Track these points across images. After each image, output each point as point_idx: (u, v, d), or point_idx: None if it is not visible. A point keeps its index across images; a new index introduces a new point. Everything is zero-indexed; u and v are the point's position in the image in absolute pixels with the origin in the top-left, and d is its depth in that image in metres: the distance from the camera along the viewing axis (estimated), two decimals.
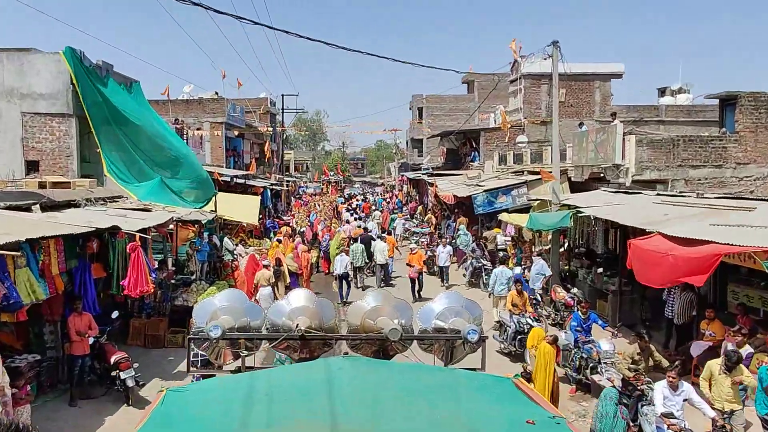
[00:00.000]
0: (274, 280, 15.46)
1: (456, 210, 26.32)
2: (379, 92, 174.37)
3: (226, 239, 19.59)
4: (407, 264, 18.16)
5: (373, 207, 44.44)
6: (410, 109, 63.59)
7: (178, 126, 26.08)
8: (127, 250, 10.59)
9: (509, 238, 20.59)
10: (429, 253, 21.26)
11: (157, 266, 13.01)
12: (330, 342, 5.25)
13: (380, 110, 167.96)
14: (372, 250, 20.37)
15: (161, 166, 15.02)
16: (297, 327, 5.05)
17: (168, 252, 15.39)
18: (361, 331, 5.35)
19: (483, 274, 18.79)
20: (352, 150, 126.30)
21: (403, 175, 55.29)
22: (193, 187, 15.76)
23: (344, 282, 18.35)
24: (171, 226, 15.30)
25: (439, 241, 21.72)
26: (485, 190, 22.11)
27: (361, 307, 5.58)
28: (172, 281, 14.34)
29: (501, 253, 19.13)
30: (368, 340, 5.23)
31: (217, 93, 36.76)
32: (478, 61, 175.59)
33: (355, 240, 21.44)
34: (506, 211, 20.85)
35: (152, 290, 10.81)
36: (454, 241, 22.61)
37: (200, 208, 16.13)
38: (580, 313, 11.41)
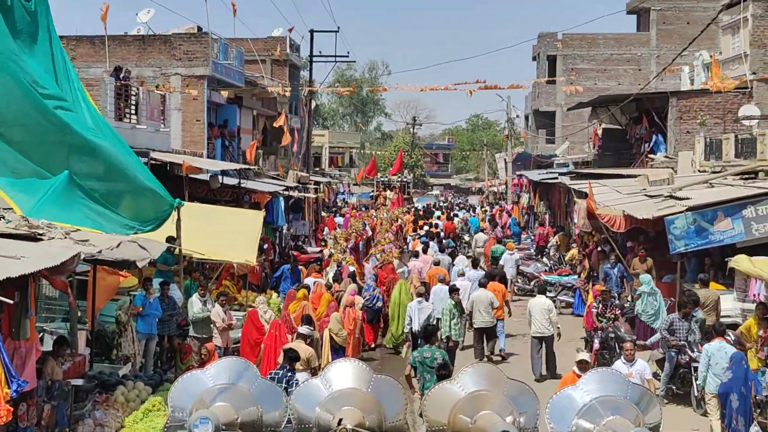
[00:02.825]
0: (316, 363, 15.12)
1: (630, 244, 24.57)
2: (477, 31, 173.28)
3: (195, 296, 18.42)
4: None
5: (462, 230, 44.32)
6: (534, 59, 62.40)
7: (120, 80, 24.69)
8: None
9: (751, 305, 18.47)
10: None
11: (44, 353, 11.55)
12: None
13: (478, 57, 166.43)
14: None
15: (71, 153, 14.17)
16: (340, 425, 5.71)
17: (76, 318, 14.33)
18: None
19: (694, 375, 16.83)
20: (429, 132, 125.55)
21: (521, 176, 53.33)
22: (133, 192, 15.08)
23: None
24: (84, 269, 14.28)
25: (614, 338, 19.04)
26: (690, 208, 20.41)
27: (451, 393, 6.17)
28: (78, 381, 12.84)
29: (731, 335, 16.67)
30: None
31: (199, 28, 36.06)
32: None
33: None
34: (734, 249, 19.36)
35: (5, 418, 8.91)
36: (627, 306, 21.14)
37: (148, 231, 15.27)
38: None
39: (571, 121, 53.85)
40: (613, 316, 19.33)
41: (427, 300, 20.51)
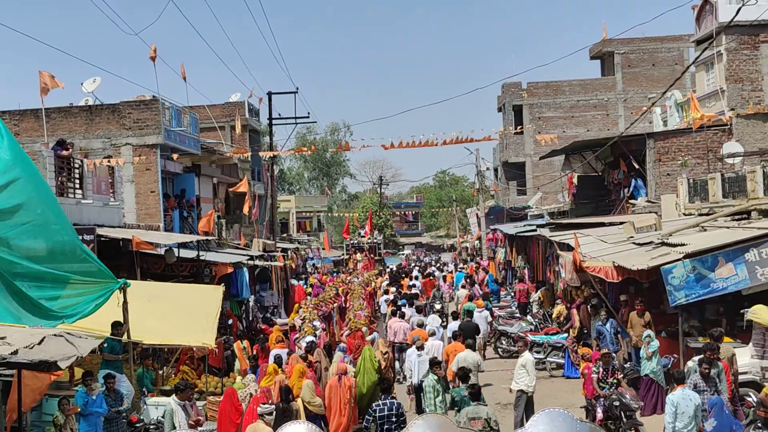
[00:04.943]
0: None
1: (624, 297, 23.29)
2: (437, 86, 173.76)
3: (173, 402, 15.86)
4: None
5: (441, 288, 42.91)
6: (499, 110, 61.39)
7: (63, 152, 22.92)
8: None
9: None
10: None
11: None
12: None
13: (443, 112, 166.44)
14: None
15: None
16: None
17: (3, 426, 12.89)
18: None
19: None
20: (396, 191, 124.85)
21: (495, 230, 51.73)
22: (73, 273, 14.05)
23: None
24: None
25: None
26: (687, 255, 19.28)
27: None
28: None
29: (751, 396, 15.42)
30: None
31: (154, 96, 34.49)
32: (616, 17, 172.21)
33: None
34: (740, 296, 18.87)
35: None
36: (630, 367, 20.03)
37: (78, 319, 13.96)
38: None
39: (542, 170, 52.88)
40: (615, 381, 17.54)
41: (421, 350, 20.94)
